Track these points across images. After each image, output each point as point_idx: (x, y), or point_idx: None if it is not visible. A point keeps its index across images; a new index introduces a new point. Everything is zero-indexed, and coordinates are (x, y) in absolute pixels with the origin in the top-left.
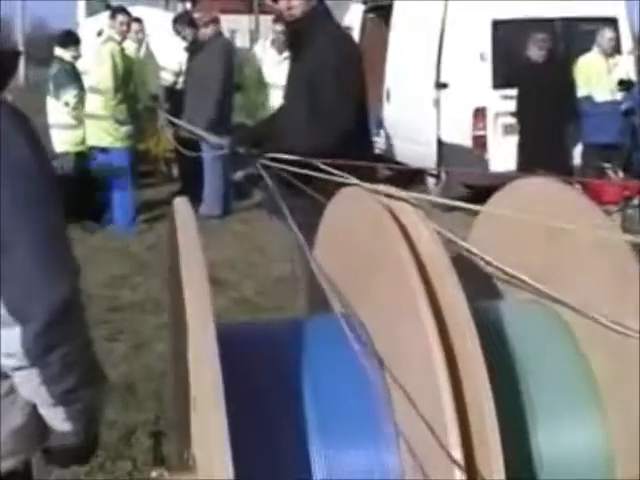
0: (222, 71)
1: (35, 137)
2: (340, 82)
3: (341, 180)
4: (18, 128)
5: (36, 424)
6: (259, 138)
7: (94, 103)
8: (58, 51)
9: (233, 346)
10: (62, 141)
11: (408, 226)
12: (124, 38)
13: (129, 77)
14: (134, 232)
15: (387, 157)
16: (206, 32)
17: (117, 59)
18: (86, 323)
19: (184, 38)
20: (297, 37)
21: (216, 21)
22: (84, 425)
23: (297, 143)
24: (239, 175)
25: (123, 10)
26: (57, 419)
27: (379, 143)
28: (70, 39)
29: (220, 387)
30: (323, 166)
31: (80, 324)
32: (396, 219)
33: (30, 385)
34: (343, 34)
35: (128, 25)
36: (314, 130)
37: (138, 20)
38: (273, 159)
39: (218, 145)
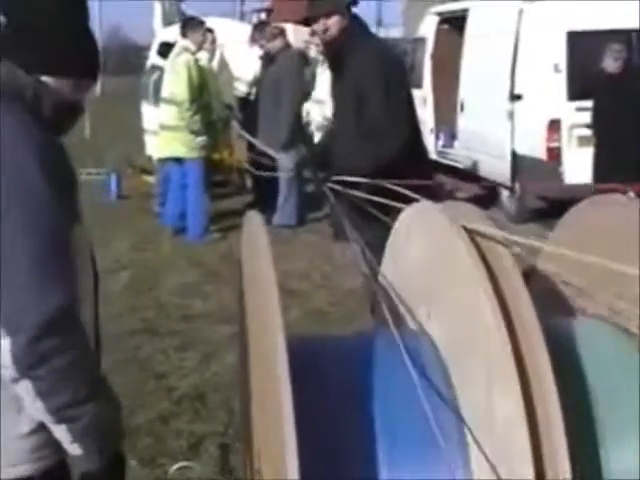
0: (292, 83)
1: (43, 146)
2: (387, 96)
3: (411, 196)
4: (22, 138)
5: (45, 439)
6: (323, 159)
7: (168, 114)
8: (157, 60)
9: (303, 359)
10: (154, 147)
11: (481, 243)
12: (199, 49)
13: (203, 88)
14: (207, 241)
15: (463, 169)
16: (274, 45)
17: (192, 70)
18: (84, 337)
19: (261, 47)
20: (337, 56)
21: (283, 34)
22: (94, 448)
23: (353, 164)
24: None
25: (198, 21)
26: (65, 441)
27: (452, 155)
28: (169, 49)
29: (289, 402)
30: (391, 186)
31: (75, 338)
32: (468, 235)
33: (28, 398)
34: (383, 48)
35: (203, 36)
36: (367, 148)
37: (210, 31)
38: (337, 181)
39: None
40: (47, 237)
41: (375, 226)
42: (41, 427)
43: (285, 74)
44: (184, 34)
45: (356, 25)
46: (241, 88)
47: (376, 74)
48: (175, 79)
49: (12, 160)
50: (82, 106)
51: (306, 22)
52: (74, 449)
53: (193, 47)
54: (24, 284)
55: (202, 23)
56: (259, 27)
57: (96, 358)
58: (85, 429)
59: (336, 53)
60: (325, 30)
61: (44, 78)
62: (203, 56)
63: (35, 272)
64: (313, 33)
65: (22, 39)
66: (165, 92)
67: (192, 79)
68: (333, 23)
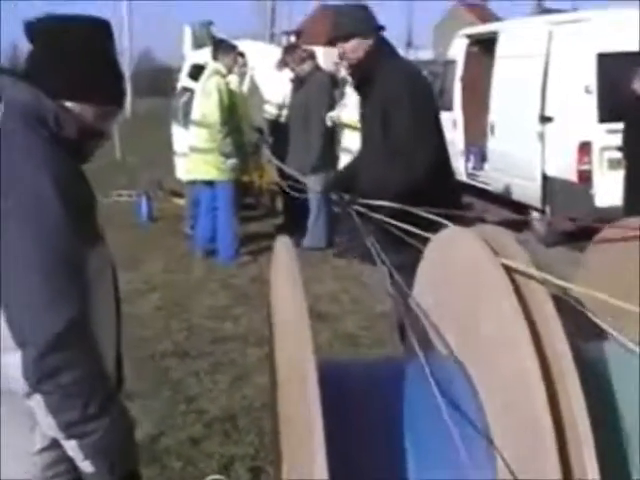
0: (321, 105)
1: (59, 167)
2: (412, 119)
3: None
4: (39, 159)
5: (58, 456)
6: (349, 183)
7: (198, 136)
8: (188, 82)
9: (333, 384)
10: (184, 169)
11: (512, 269)
12: (230, 72)
13: (233, 111)
14: (237, 264)
15: (493, 191)
16: (304, 68)
17: (223, 93)
18: (95, 353)
19: (292, 70)
20: (362, 78)
21: (312, 56)
22: (105, 466)
23: (379, 187)
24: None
25: (229, 44)
26: (77, 458)
27: (482, 177)
28: (200, 71)
29: (320, 426)
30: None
31: (84, 353)
32: (499, 260)
33: (40, 413)
34: (410, 70)
35: (234, 59)
36: (393, 171)
37: (242, 54)
38: (364, 205)
39: (315, 188)
40: (58, 253)
41: (401, 249)
42: (54, 444)
43: (314, 97)
44: (215, 57)
45: (383, 47)
46: (271, 111)
47: (401, 97)
48: (206, 101)
49: (27, 179)
50: (106, 133)
51: (333, 44)
52: (86, 466)
53: (224, 70)
54: (34, 298)
55: (234, 47)
56: (288, 50)
57: (108, 377)
58: (96, 446)
59: (362, 75)
60: (349, 53)
61: (68, 104)
62: (234, 79)
63: (45, 287)
64: (342, 56)
65: (48, 64)
66: (195, 114)
67: (223, 102)
68: (357, 46)
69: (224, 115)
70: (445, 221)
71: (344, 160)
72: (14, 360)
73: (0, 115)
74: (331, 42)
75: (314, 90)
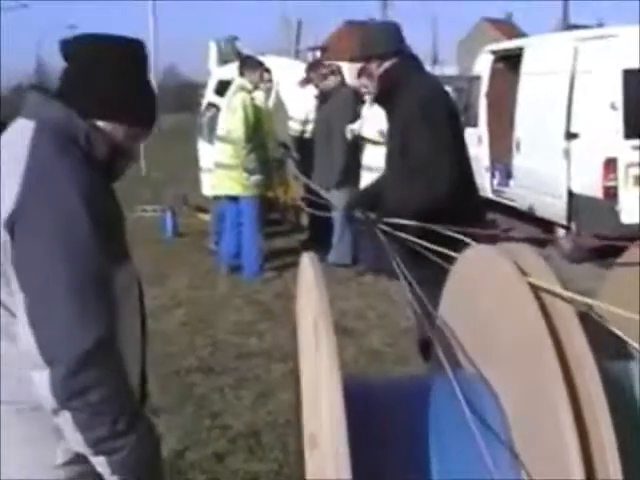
0: (344, 121)
1: (89, 185)
2: (432, 136)
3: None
4: (69, 176)
5: (81, 471)
6: (373, 200)
7: (224, 152)
8: (214, 98)
9: (358, 401)
10: (209, 185)
11: (538, 287)
12: (255, 88)
13: (259, 127)
14: (262, 279)
15: (518, 208)
16: (327, 84)
17: (248, 109)
18: (122, 370)
19: (316, 86)
20: (386, 96)
21: (336, 72)
22: None
23: (401, 206)
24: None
25: (256, 60)
26: (105, 473)
27: (508, 194)
28: (227, 87)
29: (345, 443)
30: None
31: (112, 371)
32: (525, 278)
33: (67, 430)
34: (432, 86)
35: (260, 75)
36: (414, 189)
37: (268, 70)
38: (388, 223)
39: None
40: (86, 271)
41: (424, 265)
42: (76, 459)
43: (337, 112)
44: (241, 73)
45: (409, 64)
46: (295, 127)
47: (419, 114)
48: (231, 117)
49: (57, 196)
50: (136, 153)
51: (360, 61)
52: None
53: (250, 86)
54: (61, 316)
55: (260, 63)
56: (312, 66)
57: (134, 393)
58: (123, 462)
59: (387, 92)
60: (376, 69)
61: (99, 123)
62: (259, 95)
63: (72, 305)
64: (362, 71)
65: (81, 84)
66: (221, 130)
67: (248, 118)
68: (384, 63)
69: (249, 131)
70: (468, 239)
71: (366, 177)
72: (41, 377)
73: (32, 132)
74: (358, 59)
75: (337, 106)
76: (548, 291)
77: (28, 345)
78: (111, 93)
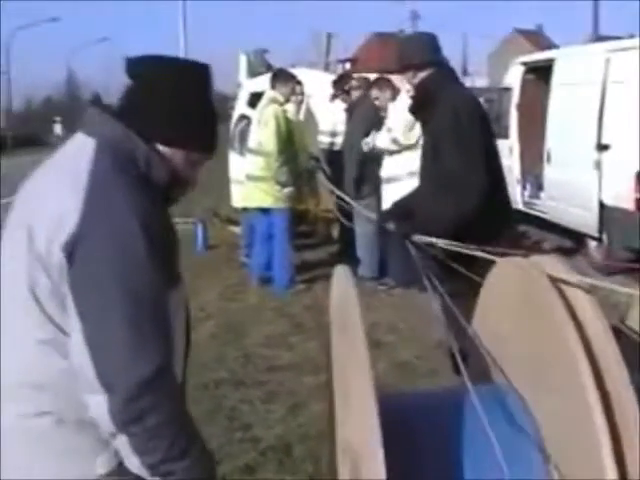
0: (360, 134)
1: (148, 210)
2: (459, 148)
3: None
4: (128, 200)
5: None
6: (405, 213)
7: (255, 164)
8: (246, 110)
9: (392, 414)
10: (239, 197)
11: (570, 300)
12: (287, 100)
13: (291, 139)
14: (293, 292)
15: (549, 220)
16: (351, 98)
17: (280, 121)
18: (179, 395)
19: (344, 100)
20: (423, 105)
21: (360, 86)
22: None
23: (434, 217)
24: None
25: (289, 74)
26: None
27: (539, 205)
28: (258, 99)
29: (380, 456)
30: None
31: (170, 396)
32: (558, 291)
33: (124, 453)
34: (463, 98)
35: (292, 88)
36: (447, 201)
37: (299, 83)
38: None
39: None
40: (144, 297)
41: (455, 277)
42: (117, 470)
43: (356, 125)
44: (273, 85)
45: (445, 75)
46: (324, 139)
47: (452, 126)
48: (263, 129)
49: (117, 220)
50: (193, 180)
51: (399, 72)
52: None
53: (281, 98)
54: (120, 344)
55: (292, 76)
56: (338, 81)
57: (189, 414)
58: None
59: (422, 103)
60: (413, 80)
61: (160, 147)
62: (291, 107)
63: (131, 332)
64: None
65: (144, 106)
66: (252, 142)
67: (280, 130)
68: (423, 75)
69: (281, 144)
70: (493, 257)
71: (386, 189)
72: (98, 402)
73: (93, 152)
74: (394, 69)
75: (356, 119)
76: (580, 304)
77: (84, 369)
78: (175, 119)
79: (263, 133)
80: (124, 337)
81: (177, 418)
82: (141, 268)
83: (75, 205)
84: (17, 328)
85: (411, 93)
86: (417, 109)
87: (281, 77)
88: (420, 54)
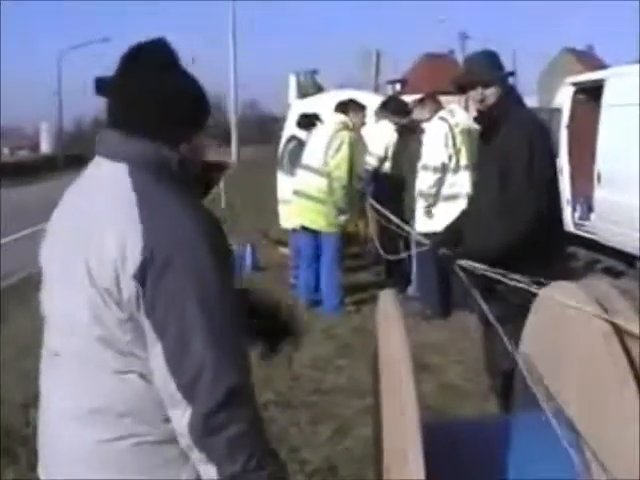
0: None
1: (207, 222)
2: (530, 168)
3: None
4: (188, 213)
5: None
6: (459, 235)
7: (312, 184)
8: (295, 131)
9: (439, 440)
10: (286, 216)
11: (621, 329)
12: (354, 127)
13: (354, 166)
14: (341, 314)
15: (600, 242)
16: (400, 120)
17: (353, 148)
18: (256, 408)
19: (395, 123)
20: (489, 125)
21: (410, 109)
22: None
23: (490, 237)
24: None
25: (359, 104)
26: None
27: (589, 227)
28: (309, 121)
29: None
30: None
31: (248, 410)
32: (608, 321)
33: (201, 465)
34: (533, 119)
35: (363, 117)
36: (506, 220)
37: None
38: (468, 263)
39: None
40: (220, 310)
41: (504, 302)
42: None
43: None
44: (344, 111)
45: (512, 95)
46: (372, 162)
47: (522, 150)
48: (333, 154)
49: (182, 239)
50: (225, 164)
51: (460, 89)
52: None
53: (351, 124)
54: (201, 358)
55: (363, 107)
56: (385, 105)
57: (264, 426)
58: None
59: (490, 122)
60: (482, 99)
61: (182, 146)
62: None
63: (211, 349)
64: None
65: (152, 114)
66: (313, 161)
67: (352, 157)
68: (491, 93)
69: (351, 171)
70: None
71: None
72: (177, 414)
73: (129, 176)
74: (464, 87)
75: (416, 144)
76: (630, 332)
77: (166, 387)
78: (184, 110)
79: (334, 157)
80: (204, 352)
81: (255, 430)
82: (212, 277)
83: (134, 233)
84: (90, 361)
85: (478, 109)
86: (486, 127)
87: (353, 106)
88: (487, 70)
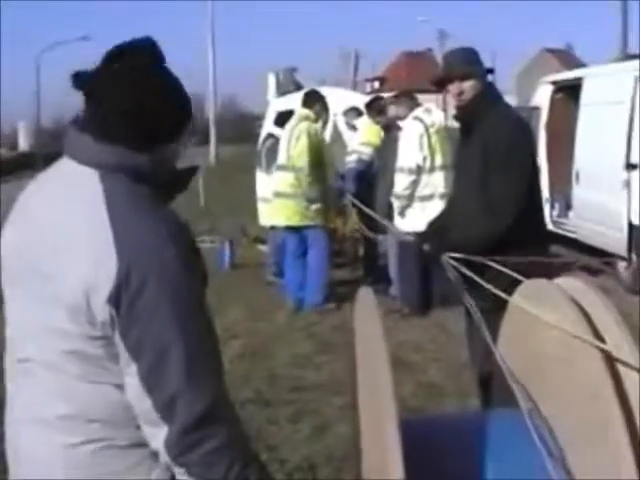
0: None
1: (174, 228)
2: (510, 164)
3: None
4: (153, 228)
5: None
6: (442, 231)
7: (284, 181)
8: (273, 129)
9: (417, 437)
10: (265, 215)
11: (596, 322)
12: (317, 119)
13: (320, 157)
14: (319, 311)
15: (578, 240)
16: (381, 120)
17: (313, 137)
18: (235, 420)
19: (377, 122)
20: (469, 120)
21: (386, 109)
22: None
23: (470, 232)
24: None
25: (317, 93)
26: None
27: (567, 225)
28: (285, 118)
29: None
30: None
31: (226, 423)
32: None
33: (184, 478)
34: (512, 115)
35: (324, 107)
36: (486, 216)
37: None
38: (453, 256)
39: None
40: (196, 327)
41: (484, 295)
42: None
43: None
44: (305, 103)
45: (491, 91)
46: (351, 158)
47: (499, 140)
48: (294, 145)
49: (156, 257)
50: (195, 168)
51: (439, 85)
52: None
53: (313, 116)
54: (178, 380)
55: (322, 96)
56: (370, 105)
57: (246, 435)
58: None
59: (468, 118)
60: (460, 93)
61: (156, 152)
62: (317, 126)
63: (187, 366)
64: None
65: (128, 117)
66: (282, 158)
67: (312, 146)
68: (469, 86)
69: (313, 159)
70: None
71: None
72: (152, 432)
73: (101, 185)
74: (443, 82)
75: (393, 142)
76: (609, 330)
77: (140, 405)
78: (159, 115)
79: (295, 148)
80: (181, 372)
81: (234, 442)
82: (186, 294)
83: (108, 257)
84: (62, 372)
85: (456, 105)
86: (465, 123)
87: (312, 97)
88: (465, 64)
